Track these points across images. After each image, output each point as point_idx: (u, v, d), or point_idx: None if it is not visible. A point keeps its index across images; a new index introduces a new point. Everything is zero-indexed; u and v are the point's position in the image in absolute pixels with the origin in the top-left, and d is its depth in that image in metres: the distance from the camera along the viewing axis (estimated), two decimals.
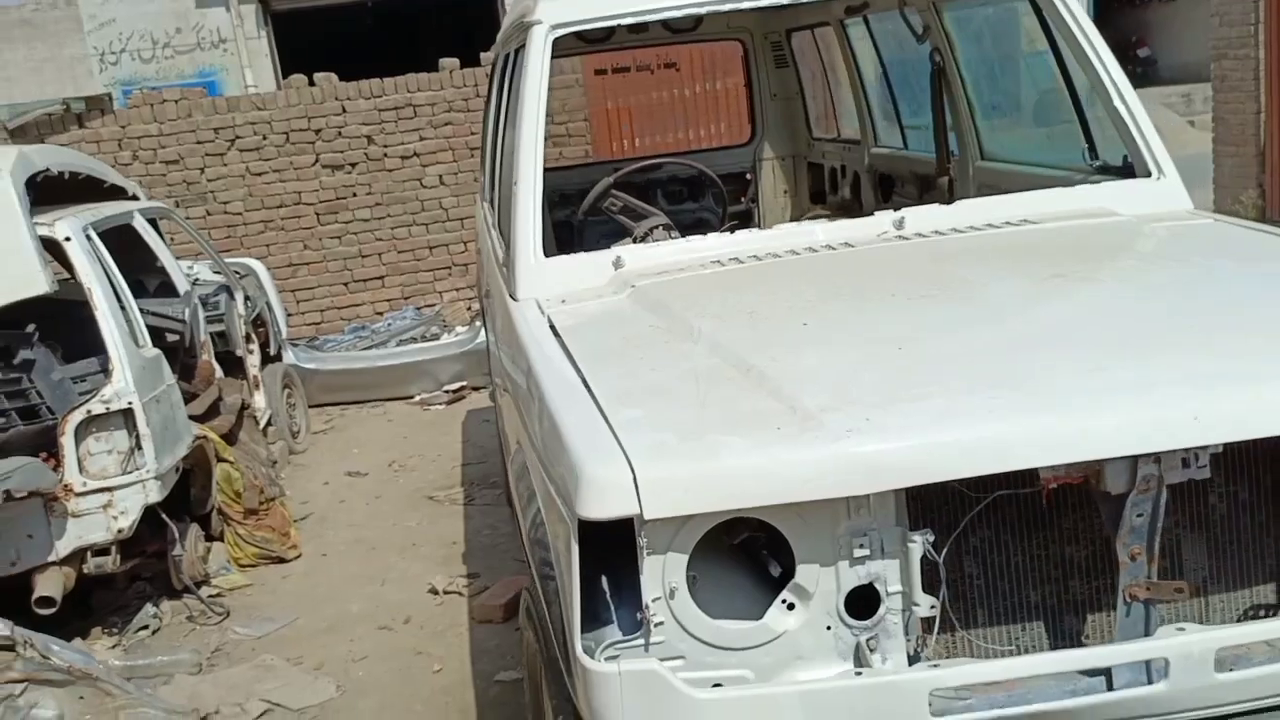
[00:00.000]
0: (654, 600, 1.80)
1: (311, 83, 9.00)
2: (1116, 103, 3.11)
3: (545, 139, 3.03)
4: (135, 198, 5.84)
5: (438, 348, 7.83)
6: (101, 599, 4.69)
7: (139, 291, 5.12)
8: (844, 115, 5.75)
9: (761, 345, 2.22)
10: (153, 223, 5.68)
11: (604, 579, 1.85)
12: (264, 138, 8.86)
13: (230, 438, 5.29)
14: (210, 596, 4.75)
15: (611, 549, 1.81)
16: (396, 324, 8.53)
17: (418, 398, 7.64)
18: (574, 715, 1.96)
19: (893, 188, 4.87)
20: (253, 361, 6.49)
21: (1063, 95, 3.42)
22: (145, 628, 4.49)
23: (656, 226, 3.43)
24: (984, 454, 1.79)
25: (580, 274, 2.84)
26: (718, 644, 1.84)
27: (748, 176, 6.17)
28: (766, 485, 1.77)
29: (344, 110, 8.91)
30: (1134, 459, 1.82)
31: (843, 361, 2.13)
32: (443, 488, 5.92)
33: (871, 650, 1.86)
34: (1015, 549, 1.98)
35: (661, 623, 1.81)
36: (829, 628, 1.85)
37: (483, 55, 8.90)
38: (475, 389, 7.48)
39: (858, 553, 1.82)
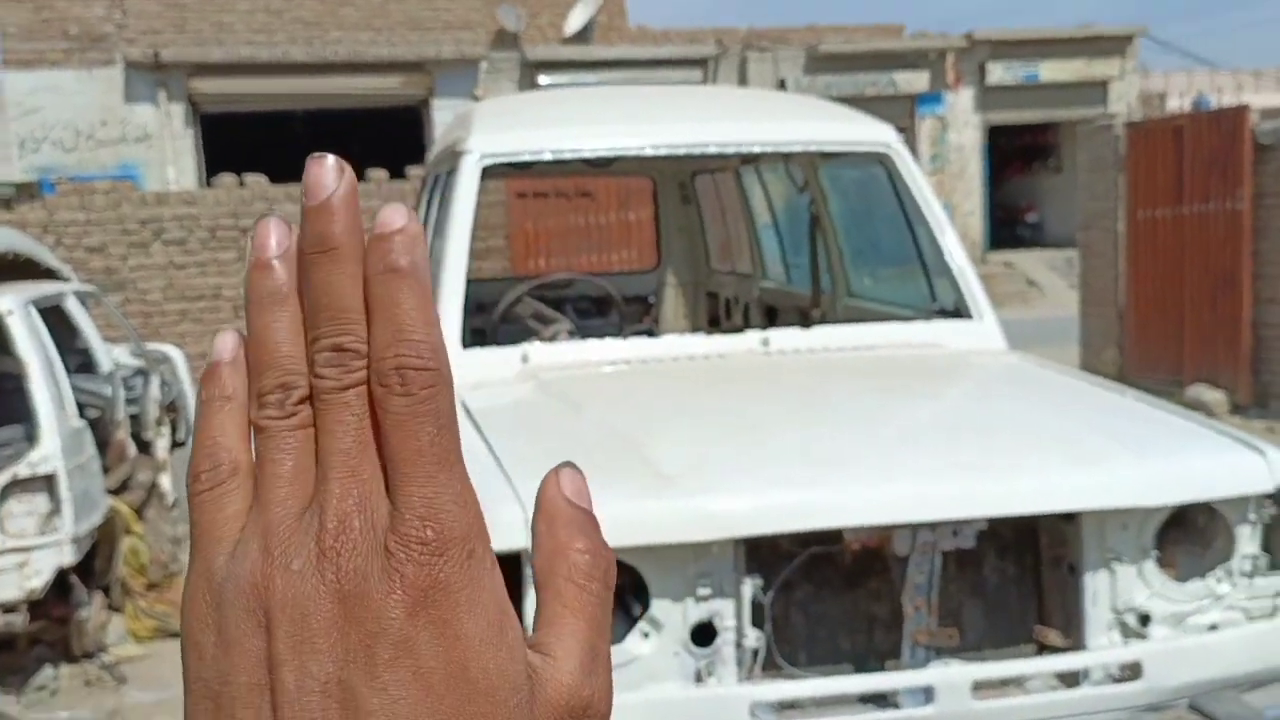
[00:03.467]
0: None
1: (241, 183, 9.41)
2: (948, 258, 3.71)
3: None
4: (68, 279, 6.15)
5: None
6: (2, 660, 4.84)
7: (64, 367, 5.40)
8: (738, 251, 6.34)
9: (638, 426, 2.68)
10: (82, 304, 5.98)
11: None
12: (190, 232, 9.21)
13: (139, 514, 5.52)
14: (107, 664, 4.92)
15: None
16: None
17: None
18: None
19: (776, 317, 5.44)
20: (162, 445, 6.73)
21: (910, 248, 4.01)
22: (43, 688, 4.65)
23: (562, 331, 3.88)
24: (798, 514, 2.25)
25: (492, 366, 3.28)
26: None
27: (650, 300, 6.71)
28: (630, 531, 2.20)
29: (271, 210, 9.30)
30: (914, 527, 2.30)
31: (700, 440, 2.59)
32: None
33: (710, 673, 2.27)
34: (833, 603, 2.43)
35: None
36: (676, 654, 2.26)
37: (409, 170, 9.42)
38: None
39: (701, 592, 2.25)
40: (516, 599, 2.19)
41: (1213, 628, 2.51)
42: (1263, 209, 9.39)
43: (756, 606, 2.28)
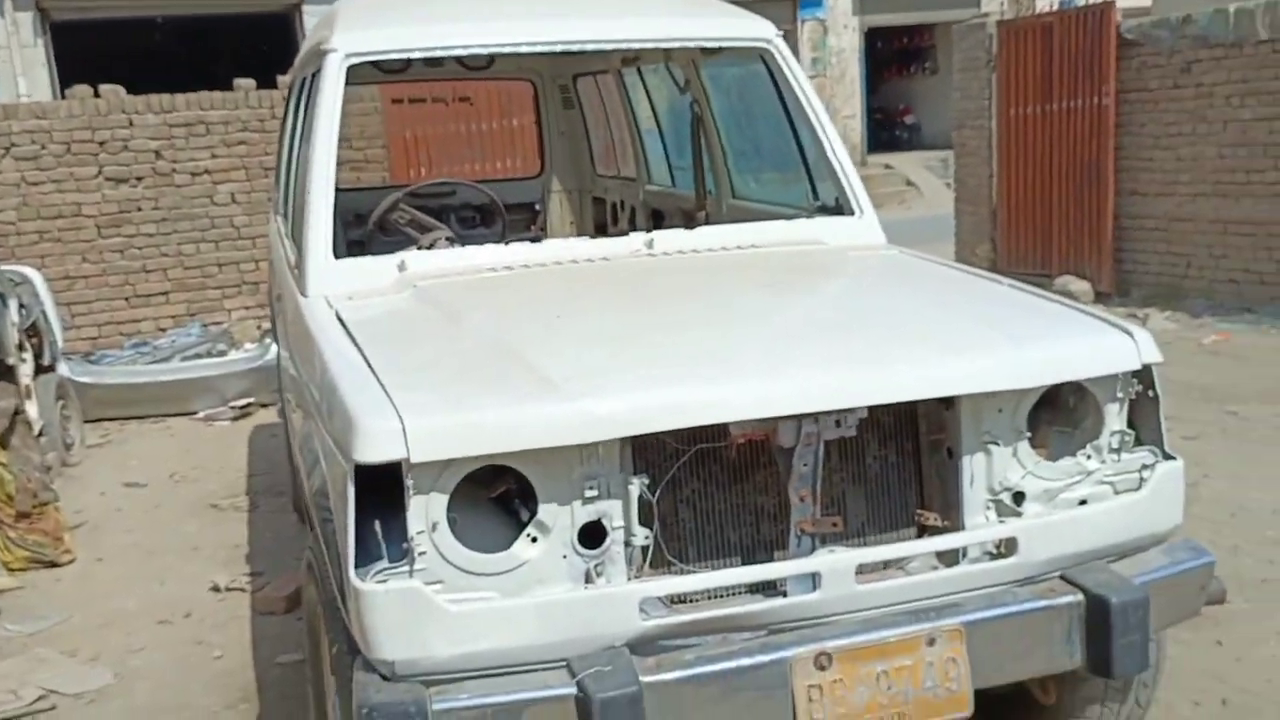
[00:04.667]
0: (418, 533, 2.16)
1: (96, 94, 8.93)
2: (830, 155, 3.71)
3: (343, 164, 3.35)
4: None
5: (224, 363, 7.89)
6: None
7: None
8: (623, 155, 6.27)
9: (519, 331, 2.64)
10: None
11: (376, 519, 2.20)
12: (43, 147, 8.72)
13: (2, 442, 5.30)
14: None
15: (381, 494, 2.17)
16: (181, 340, 8.50)
17: (202, 414, 7.68)
18: (349, 642, 2.30)
19: (663, 220, 5.41)
20: (25, 370, 6.45)
21: (792, 147, 4.01)
22: None
23: (441, 239, 3.80)
24: (683, 411, 2.24)
25: (366, 275, 3.18)
26: (473, 570, 2.21)
27: (536, 207, 6.62)
28: (512, 435, 2.17)
29: (131, 124, 8.87)
30: (799, 419, 2.33)
31: (583, 343, 2.57)
32: (226, 496, 6.05)
33: (599, 574, 2.28)
34: (720, 498, 2.45)
35: (424, 553, 2.17)
36: (565, 556, 2.26)
37: (279, 78, 9.04)
38: (264, 405, 7.59)
39: (588, 494, 2.24)
40: (399, 510, 2.16)
41: (1083, 502, 2.61)
42: (1126, 104, 9.64)
43: (644, 506, 2.28)
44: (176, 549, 5.36)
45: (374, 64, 3.99)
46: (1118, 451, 2.63)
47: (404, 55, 3.56)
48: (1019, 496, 2.56)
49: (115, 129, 8.87)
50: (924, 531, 2.56)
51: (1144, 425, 2.67)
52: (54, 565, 5.16)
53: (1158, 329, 8.69)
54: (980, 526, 2.51)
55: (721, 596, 2.38)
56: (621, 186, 5.98)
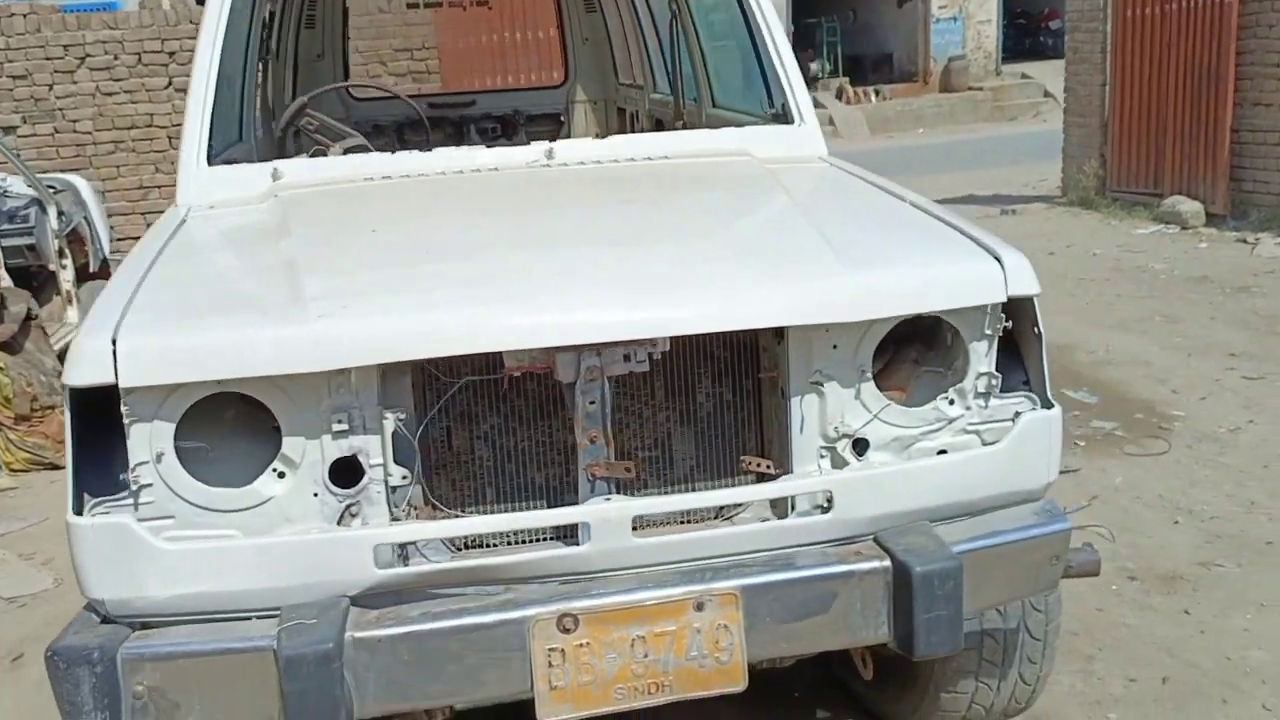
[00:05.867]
0: (140, 464, 2.00)
1: (169, 4, 9.00)
2: (773, 58, 3.36)
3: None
4: None
5: None
6: None
7: None
8: (637, 62, 5.94)
9: (321, 249, 2.43)
10: None
11: (105, 449, 2.05)
12: (115, 57, 8.86)
13: (11, 346, 5.41)
14: None
15: (107, 420, 2.01)
16: None
17: None
18: None
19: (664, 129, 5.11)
20: (66, 276, 6.58)
21: (750, 51, 3.66)
22: None
23: (354, 147, 3.60)
24: (439, 338, 2.00)
25: (240, 184, 3.00)
26: (208, 506, 2.04)
27: (561, 119, 6.36)
28: (239, 360, 1.97)
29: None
30: (578, 351, 2.06)
31: (373, 263, 2.34)
32: None
33: (354, 515, 2.08)
34: (523, 435, 2.22)
35: (150, 485, 2.00)
36: (316, 494, 2.07)
37: None
38: None
39: (337, 427, 2.04)
40: (117, 432, 2.00)
41: (942, 453, 2.29)
42: (1252, 2, 8.71)
43: (404, 442, 2.08)
44: None
45: None
46: (985, 396, 2.28)
47: None
48: (861, 445, 2.26)
49: (184, 39, 8.93)
50: (761, 479, 2.29)
51: (1030, 367, 2.33)
52: (55, 468, 5.26)
53: (1267, 255, 7.93)
54: (806, 476, 2.22)
55: (524, 543, 2.17)
56: (636, 96, 5.67)
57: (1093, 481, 4.26)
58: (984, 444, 2.29)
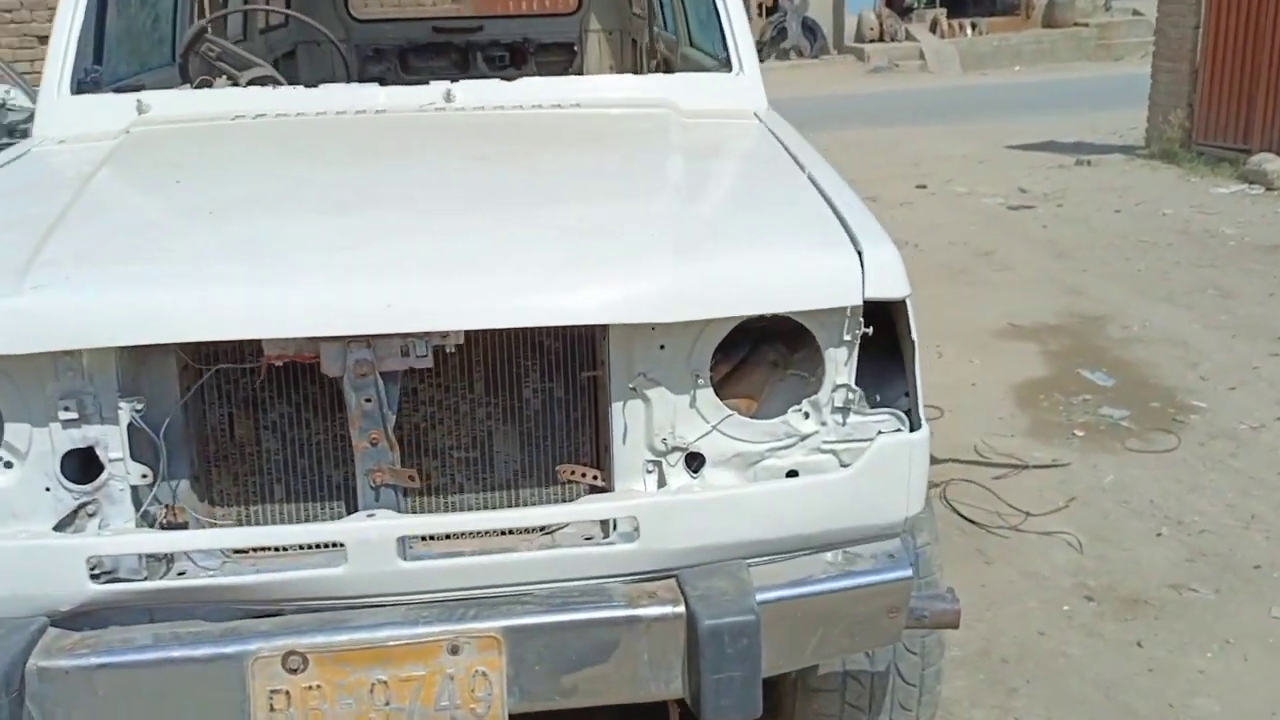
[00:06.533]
0: None
1: None
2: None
3: None
4: None
5: None
6: None
7: None
8: None
9: (107, 202, 2.19)
10: None
11: None
12: None
13: None
14: None
15: None
16: None
17: None
18: None
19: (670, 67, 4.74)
20: None
21: None
22: None
23: (261, 79, 3.32)
24: (175, 321, 1.73)
25: (100, 116, 2.77)
26: None
27: (575, 48, 6.01)
28: None
29: None
30: (345, 342, 1.78)
31: (144, 223, 2.09)
32: None
33: (91, 515, 1.85)
34: (317, 427, 1.96)
35: None
36: (48, 489, 1.84)
37: None
38: None
39: (65, 415, 1.79)
40: None
41: (792, 474, 1.97)
42: None
43: (143, 436, 1.82)
44: None
45: None
46: (843, 412, 1.95)
47: None
48: (696, 460, 1.95)
49: None
50: (592, 491, 2.00)
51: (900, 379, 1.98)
52: None
53: None
54: (631, 495, 1.92)
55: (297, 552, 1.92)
56: (643, 28, 5.29)
57: (1080, 480, 3.86)
58: (841, 466, 1.96)
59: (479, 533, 1.92)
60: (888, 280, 1.87)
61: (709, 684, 1.74)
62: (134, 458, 1.83)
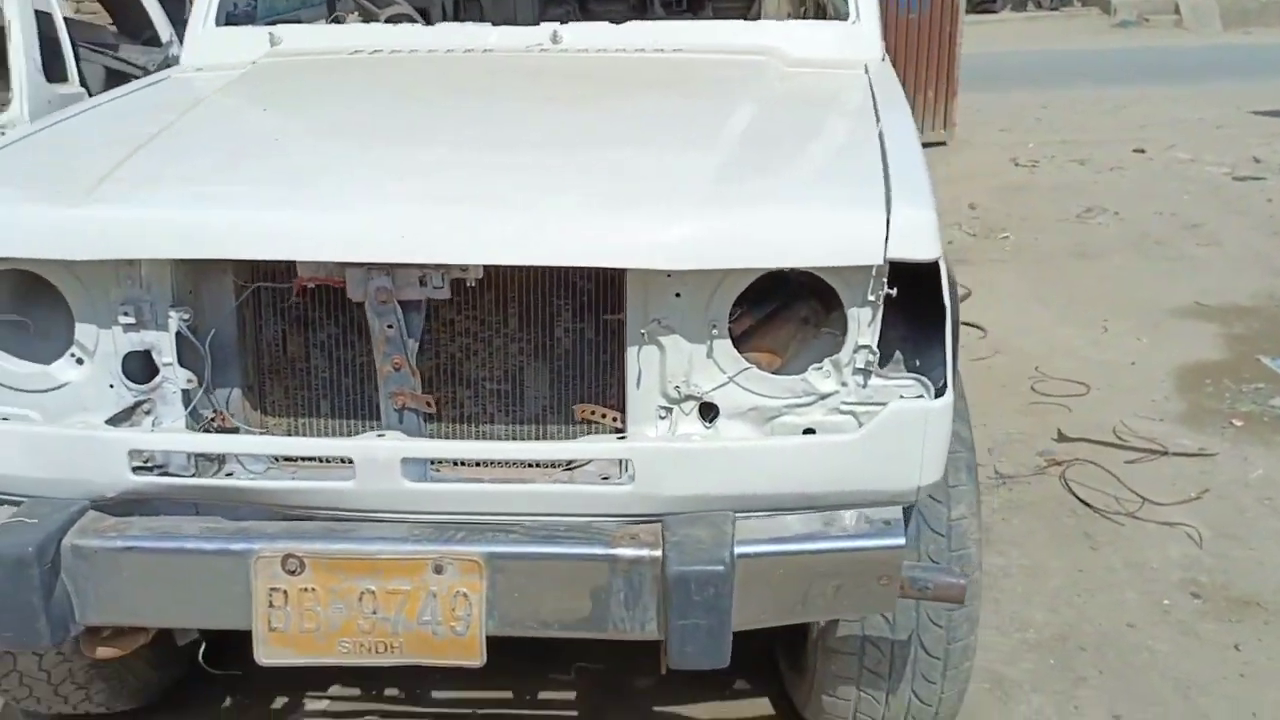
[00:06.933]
0: None
1: None
2: None
3: None
4: None
5: None
6: None
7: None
8: None
9: (197, 125, 2.35)
10: None
11: None
12: None
13: None
14: None
15: None
16: None
17: None
18: None
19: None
20: None
21: None
22: None
23: (398, 16, 3.45)
24: (211, 238, 1.85)
25: (236, 48, 2.96)
26: (10, 385, 2.02)
27: None
28: (40, 243, 1.88)
29: None
30: (366, 269, 1.87)
31: (217, 146, 2.22)
32: None
33: (147, 413, 2.02)
34: (361, 350, 2.07)
35: None
36: (112, 386, 2.01)
37: None
38: None
39: (124, 320, 1.96)
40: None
41: (809, 432, 1.94)
42: None
43: (189, 344, 1.97)
44: None
45: None
46: (864, 374, 1.90)
47: None
48: (711, 410, 1.95)
49: None
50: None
51: (929, 346, 1.93)
52: None
53: None
54: (647, 439, 1.94)
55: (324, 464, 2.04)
56: None
57: (1224, 472, 3.60)
58: (861, 428, 1.92)
59: (493, 462, 1.99)
60: (915, 242, 1.80)
61: (675, 629, 1.76)
62: (183, 364, 1.98)
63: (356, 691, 2.73)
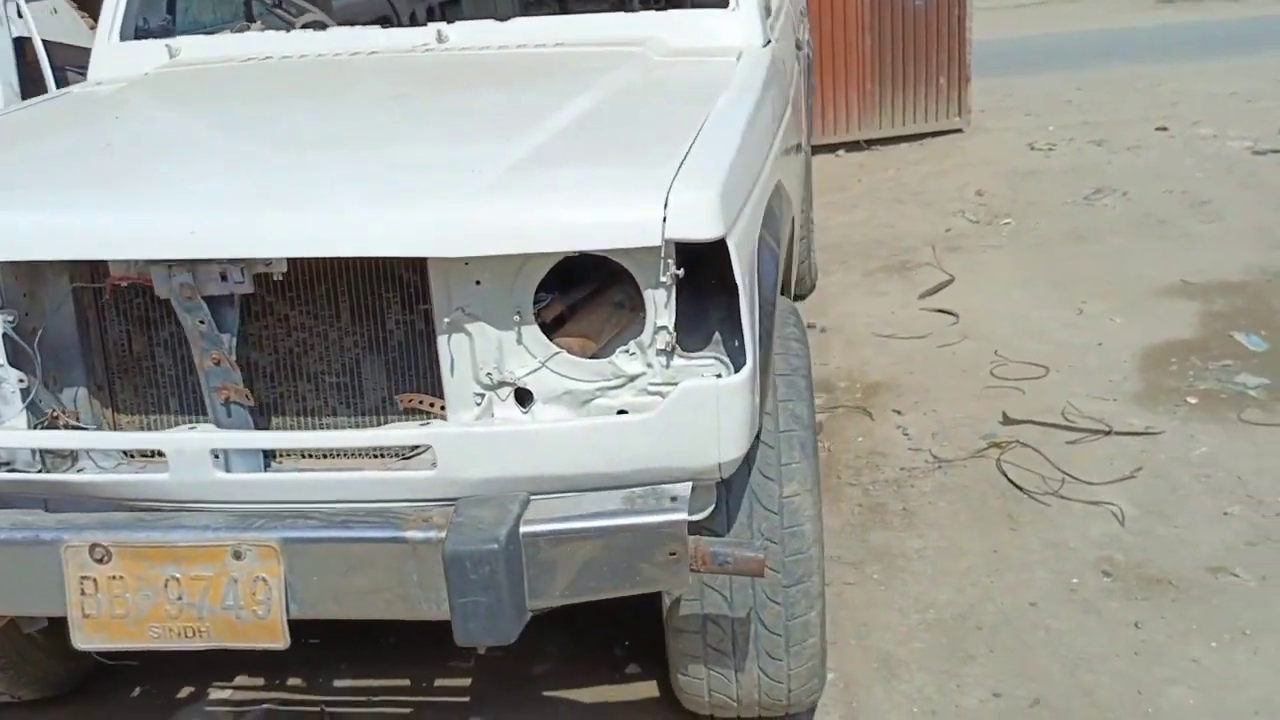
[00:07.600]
0: None
1: None
2: None
3: None
4: None
5: None
6: None
7: None
8: None
9: (57, 135, 2.45)
10: None
11: None
12: None
13: None
14: None
15: None
16: None
17: None
18: None
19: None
20: None
21: None
22: None
23: (313, 23, 3.52)
24: (21, 241, 1.93)
25: (141, 61, 3.06)
26: None
27: None
28: None
29: None
30: (168, 265, 1.92)
31: (61, 153, 2.31)
32: None
33: None
34: (154, 349, 2.13)
35: None
36: None
37: None
38: None
39: None
40: None
41: (622, 413, 1.96)
42: None
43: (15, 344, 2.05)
44: None
45: None
46: (665, 354, 1.92)
47: None
48: (524, 395, 1.98)
49: None
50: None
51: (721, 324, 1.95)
52: None
53: None
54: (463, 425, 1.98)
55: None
56: None
57: (1166, 450, 3.51)
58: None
59: (322, 453, 2.04)
60: (694, 222, 1.82)
61: (455, 607, 1.80)
62: (18, 365, 2.06)
63: (260, 681, 2.79)
